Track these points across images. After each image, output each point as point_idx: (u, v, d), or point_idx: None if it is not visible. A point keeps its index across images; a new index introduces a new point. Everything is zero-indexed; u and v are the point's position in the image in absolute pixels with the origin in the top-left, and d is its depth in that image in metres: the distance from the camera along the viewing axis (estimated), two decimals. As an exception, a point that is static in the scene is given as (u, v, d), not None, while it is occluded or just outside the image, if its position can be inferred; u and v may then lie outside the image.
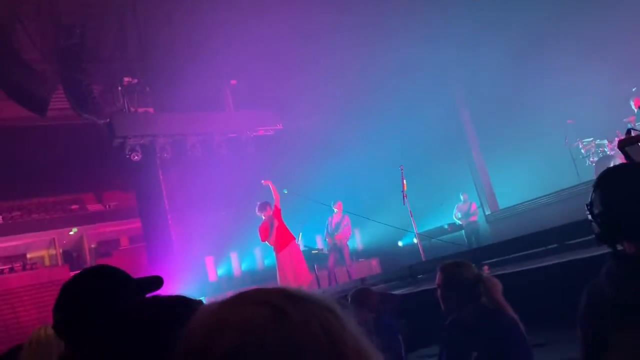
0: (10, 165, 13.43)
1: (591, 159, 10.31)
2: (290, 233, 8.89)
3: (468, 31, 10.55)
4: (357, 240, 13.73)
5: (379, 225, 10.71)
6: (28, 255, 18.68)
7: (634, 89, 9.75)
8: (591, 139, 10.41)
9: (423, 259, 8.59)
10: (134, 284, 1.43)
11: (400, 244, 12.84)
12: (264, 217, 8.79)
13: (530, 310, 2.82)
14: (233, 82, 13.36)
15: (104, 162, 14.00)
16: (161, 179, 12.61)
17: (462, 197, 11.98)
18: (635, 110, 9.30)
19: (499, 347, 2.44)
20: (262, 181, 9.05)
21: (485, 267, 5.30)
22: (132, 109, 12.10)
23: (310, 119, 12.94)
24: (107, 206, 20.17)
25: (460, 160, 13.19)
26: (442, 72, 12.04)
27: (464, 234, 11.83)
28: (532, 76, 11.06)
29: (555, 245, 5.38)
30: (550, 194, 11.02)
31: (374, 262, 13.10)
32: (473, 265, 2.73)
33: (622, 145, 3.59)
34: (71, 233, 19.00)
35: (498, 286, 2.58)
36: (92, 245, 20.04)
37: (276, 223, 8.67)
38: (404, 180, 8.95)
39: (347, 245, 10.50)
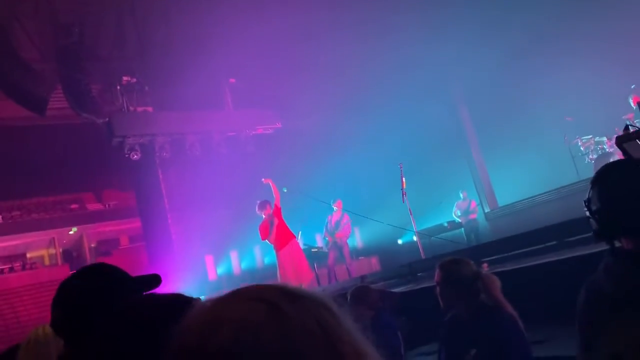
0: (10, 165, 13.42)
1: (590, 157, 10.32)
2: (291, 231, 8.88)
3: (468, 29, 10.53)
4: (356, 239, 13.73)
5: (378, 223, 10.71)
6: (28, 255, 18.69)
7: (632, 87, 9.76)
8: (590, 136, 10.43)
9: (423, 257, 8.59)
10: (131, 282, 1.43)
11: (399, 242, 12.85)
12: (264, 216, 8.78)
13: (529, 307, 2.83)
14: (232, 80, 13.34)
15: (104, 162, 14.00)
16: (160, 178, 12.61)
17: (461, 195, 11.99)
18: (634, 108, 9.29)
19: (497, 344, 2.44)
20: (263, 179, 9.04)
21: (485, 265, 5.29)
22: (131, 108, 12.09)
23: (310, 118, 12.92)
24: (107, 205, 20.19)
25: (459, 158, 13.20)
26: (442, 70, 12.03)
27: (463, 231, 11.84)
28: (531, 74, 11.06)
29: (554, 242, 5.39)
30: (549, 191, 11.02)
31: (374, 260, 13.11)
32: (472, 262, 2.73)
33: (620, 142, 3.58)
34: (71, 232, 19.01)
35: (497, 283, 2.58)
36: (92, 245, 20.06)
37: (276, 221, 8.66)
38: (403, 178, 8.94)
39: (347, 243, 10.50)
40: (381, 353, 0.70)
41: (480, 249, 7.22)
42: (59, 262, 18.24)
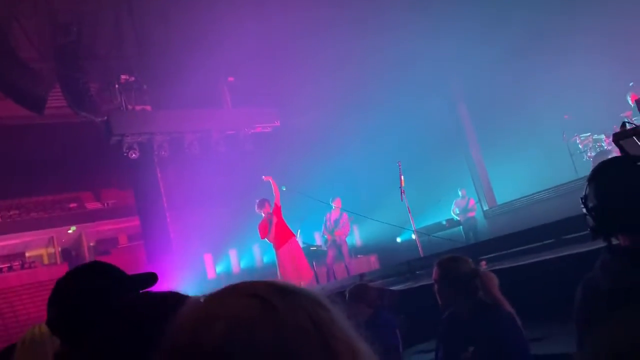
0: (8, 164, 13.40)
1: (589, 154, 10.32)
2: (290, 230, 8.88)
3: (467, 26, 10.52)
4: (355, 237, 13.74)
5: (377, 221, 10.72)
6: (27, 254, 18.67)
7: (631, 84, 9.75)
8: (589, 134, 10.42)
9: (421, 255, 8.60)
10: (128, 280, 1.42)
11: (398, 240, 12.85)
12: (263, 214, 8.77)
13: (527, 305, 2.83)
14: (230, 79, 13.32)
15: (102, 160, 13.98)
16: (159, 177, 12.61)
17: (460, 193, 12.00)
18: (632, 105, 9.29)
19: (495, 342, 2.44)
20: (263, 177, 9.03)
21: (483, 263, 5.30)
22: (130, 107, 12.07)
23: (308, 116, 12.92)
24: (106, 204, 20.15)
25: (458, 156, 13.19)
26: (440, 67, 12.01)
27: (462, 229, 11.85)
28: (530, 71, 11.04)
29: (552, 240, 5.39)
30: (548, 189, 11.03)
31: (373, 258, 13.10)
32: (470, 260, 2.73)
33: (617, 139, 3.58)
34: (70, 231, 18.98)
35: (494, 281, 2.58)
36: (91, 244, 20.03)
37: (275, 220, 8.65)
38: (402, 176, 8.94)
39: (346, 241, 10.50)
40: (379, 351, 0.70)
41: (479, 247, 7.22)
42: (58, 261, 18.21)
